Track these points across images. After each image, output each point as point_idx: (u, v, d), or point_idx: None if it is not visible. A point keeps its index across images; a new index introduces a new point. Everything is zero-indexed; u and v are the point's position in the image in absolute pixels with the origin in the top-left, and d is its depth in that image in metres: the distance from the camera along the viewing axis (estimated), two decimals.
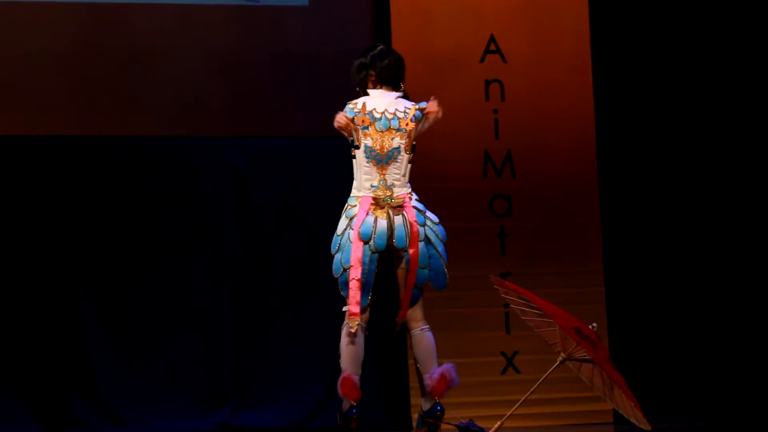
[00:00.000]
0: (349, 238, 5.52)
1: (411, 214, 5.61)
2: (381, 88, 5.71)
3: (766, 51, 7.78)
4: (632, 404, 5.31)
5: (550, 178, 7.49)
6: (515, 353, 7.30)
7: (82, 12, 7.17)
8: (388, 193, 5.59)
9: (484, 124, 7.48)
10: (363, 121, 5.60)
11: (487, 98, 7.50)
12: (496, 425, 5.45)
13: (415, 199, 5.66)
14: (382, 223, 5.55)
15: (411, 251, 5.58)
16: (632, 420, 5.44)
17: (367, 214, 5.54)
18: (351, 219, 5.56)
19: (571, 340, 5.35)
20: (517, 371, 7.27)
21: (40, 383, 6.97)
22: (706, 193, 7.72)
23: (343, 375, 5.48)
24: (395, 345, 7.08)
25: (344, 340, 5.50)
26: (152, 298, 7.14)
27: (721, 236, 7.70)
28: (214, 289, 7.22)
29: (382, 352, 7.16)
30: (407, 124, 5.66)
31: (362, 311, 5.48)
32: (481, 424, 5.70)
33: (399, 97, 5.71)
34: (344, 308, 5.53)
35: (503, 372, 7.29)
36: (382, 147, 5.61)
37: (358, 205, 5.57)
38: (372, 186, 5.60)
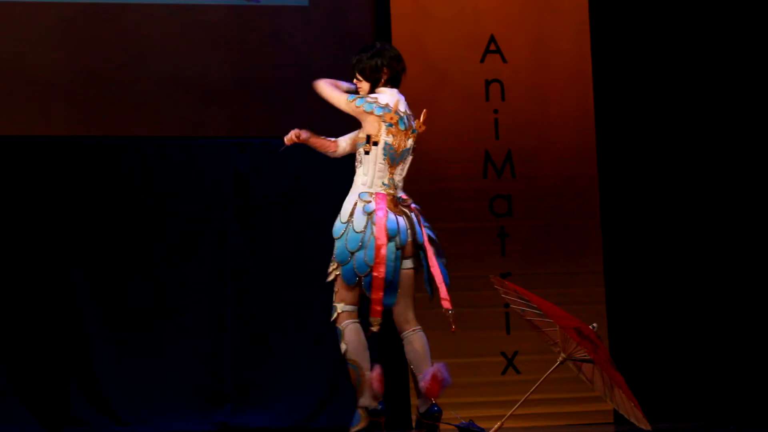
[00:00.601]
0: (372, 233, 5.48)
1: (417, 215, 5.63)
2: (390, 87, 5.70)
3: (766, 52, 7.77)
4: (632, 404, 5.31)
5: (550, 178, 7.48)
6: (515, 353, 7.30)
7: (82, 12, 7.17)
8: (394, 193, 5.59)
9: (484, 124, 7.48)
10: (391, 118, 5.58)
11: (487, 98, 7.49)
12: (496, 425, 5.45)
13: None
14: (402, 221, 5.55)
15: (429, 251, 5.58)
16: (632, 420, 5.45)
17: (387, 211, 5.53)
18: (370, 214, 5.51)
19: (572, 340, 5.35)
20: (518, 371, 7.27)
21: (40, 383, 6.96)
22: (707, 193, 7.72)
23: (376, 371, 5.49)
24: (395, 345, 7.09)
25: (353, 337, 5.49)
26: (152, 298, 7.14)
27: (721, 236, 7.70)
28: (215, 289, 7.22)
29: (381, 352, 7.15)
30: (420, 127, 5.66)
31: (384, 310, 5.47)
32: (481, 424, 5.70)
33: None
34: (340, 307, 5.53)
35: (503, 372, 7.29)
36: (398, 146, 5.60)
37: (373, 201, 5.55)
38: (383, 184, 5.58)
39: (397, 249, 5.47)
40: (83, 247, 7.09)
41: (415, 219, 5.59)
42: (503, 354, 7.31)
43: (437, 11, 7.46)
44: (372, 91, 5.66)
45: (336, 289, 5.59)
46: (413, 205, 5.66)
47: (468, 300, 7.14)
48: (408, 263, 5.58)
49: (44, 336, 7.00)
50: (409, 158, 5.65)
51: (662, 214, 7.70)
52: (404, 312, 5.59)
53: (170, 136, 7.29)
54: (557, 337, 5.47)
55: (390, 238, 5.46)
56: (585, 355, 5.37)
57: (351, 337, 5.51)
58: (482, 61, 7.50)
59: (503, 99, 7.50)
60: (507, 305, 6.53)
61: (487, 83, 7.50)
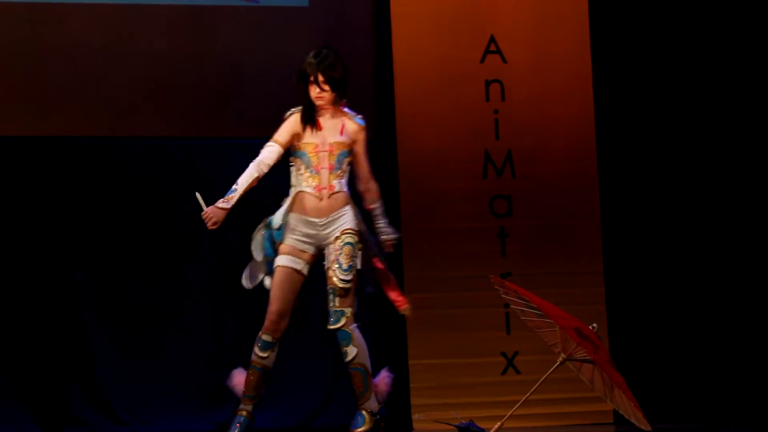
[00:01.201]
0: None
1: None
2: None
3: (766, 52, 7.78)
4: (632, 404, 5.31)
5: (550, 178, 7.49)
6: (515, 354, 7.30)
7: (82, 12, 7.17)
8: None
9: (484, 124, 7.48)
10: None
11: (487, 98, 7.49)
12: (496, 426, 5.45)
13: None
14: None
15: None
16: (632, 420, 5.44)
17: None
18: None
19: (572, 340, 5.35)
20: (518, 372, 7.27)
21: (40, 383, 6.96)
22: (707, 193, 7.72)
23: (384, 375, 5.59)
24: (395, 345, 7.09)
25: (362, 340, 5.54)
26: (152, 298, 7.14)
27: (721, 236, 7.71)
28: (215, 289, 7.22)
29: (382, 351, 7.15)
30: None
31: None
32: (481, 424, 5.70)
33: None
34: (349, 311, 5.58)
35: (503, 372, 7.29)
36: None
37: None
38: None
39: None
40: (83, 247, 7.09)
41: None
42: (503, 354, 7.31)
43: (437, 11, 7.46)
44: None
45: (348, 295, 5.63)
46: None
47: (468, 300, 7.15)
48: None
49: (44, 336, 7.00)
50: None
51: (662, 214, 7.70)
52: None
53: (170, 136, 7.29)
54: (557, 337, 5.47)
55: None
56: (585, 356, 5.37)
57: (360, 340, 5.55)
58: (482, 61, 7.50)
59: (503, 99, 7.50)
60: (507, 305, 6.53)
61: (487, 83, 7.50)
